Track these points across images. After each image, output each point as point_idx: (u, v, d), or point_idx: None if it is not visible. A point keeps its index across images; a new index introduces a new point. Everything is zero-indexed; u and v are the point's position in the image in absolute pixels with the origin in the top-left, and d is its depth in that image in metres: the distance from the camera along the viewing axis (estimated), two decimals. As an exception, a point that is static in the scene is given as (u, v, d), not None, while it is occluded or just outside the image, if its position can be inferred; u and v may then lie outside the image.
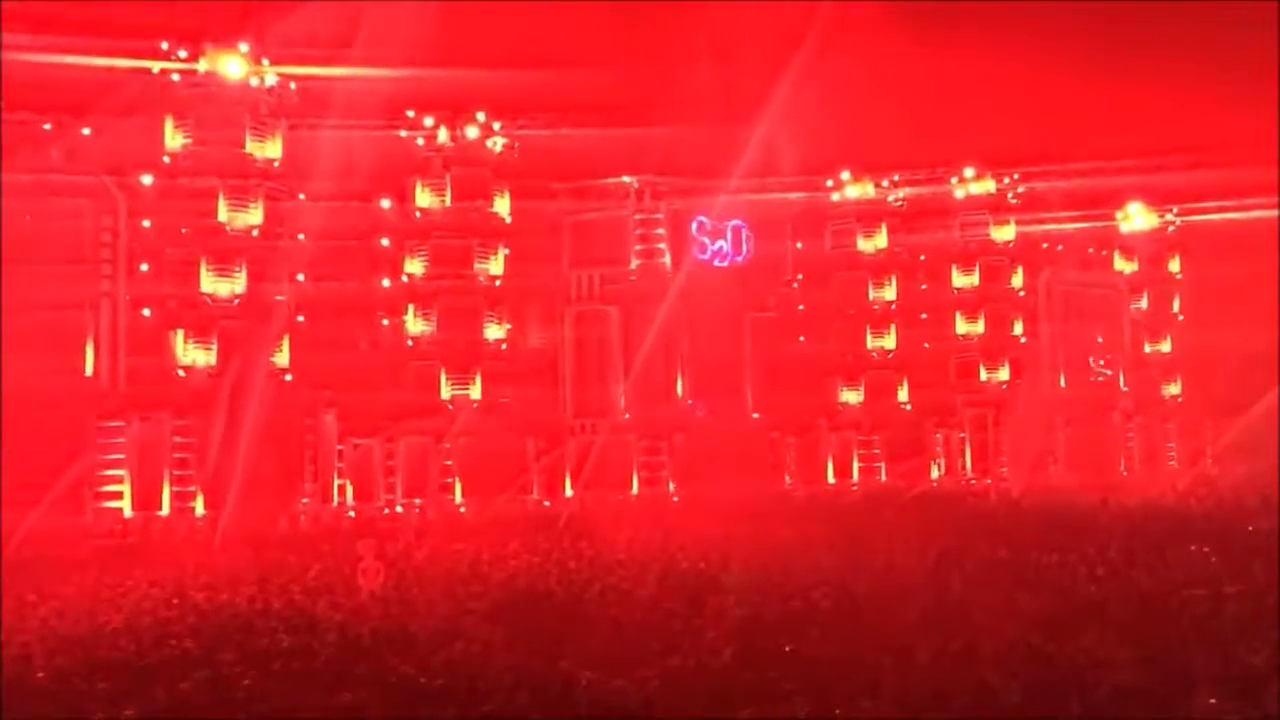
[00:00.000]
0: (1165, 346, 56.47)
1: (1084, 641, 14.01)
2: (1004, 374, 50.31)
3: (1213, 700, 11.68)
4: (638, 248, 43.94)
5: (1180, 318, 56.57)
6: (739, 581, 19.84)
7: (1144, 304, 56.21)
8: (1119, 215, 55.22)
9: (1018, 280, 50.98)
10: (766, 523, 30.46)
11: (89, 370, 34.90)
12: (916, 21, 44.69)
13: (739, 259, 46.15)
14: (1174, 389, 56.49)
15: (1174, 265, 56.72)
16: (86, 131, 34.78)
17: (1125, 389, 54.48)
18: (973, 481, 48.41)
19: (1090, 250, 54.79)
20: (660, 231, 44.11)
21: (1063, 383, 52.62)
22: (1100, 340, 54.17)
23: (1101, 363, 54.36)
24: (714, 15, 41.23)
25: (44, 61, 32.32)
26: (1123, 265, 55.94)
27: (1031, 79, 48.55)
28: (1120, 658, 13.09)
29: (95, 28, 33.44)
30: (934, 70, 47.07)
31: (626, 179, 43.79)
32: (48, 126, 34.41)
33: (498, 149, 40.74)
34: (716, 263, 45.61)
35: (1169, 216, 55.52)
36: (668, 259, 43.95)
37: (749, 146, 40.04)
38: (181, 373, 35.11)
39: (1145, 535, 25.23)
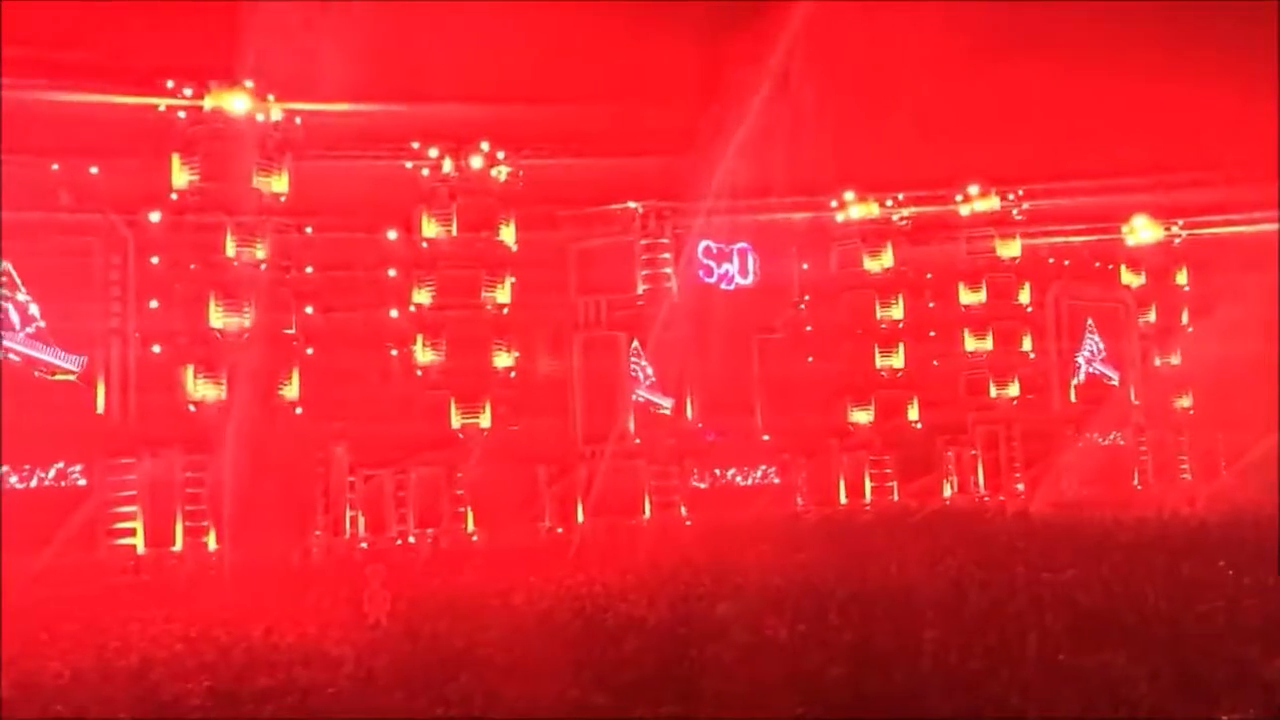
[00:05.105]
0: (1175, 359, 56.31)
1: (1108, 659, 13.93)
2: (1014, 390, 50.25)
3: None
4: (644, 273, 44.04)
5: (1189, 330, 56.46)
6: (753, 605, 19.76)
7: (1152, 317, 56.14)
8: (1125, 229, 55.27)
9: (1025, 296, 51.03)
10: (780, 545, 30.35)
11: (100, 407, 34.94)
12: (918, 40, 44.85)
13: (745, 281, 46.24)
14: (1185, 401, 56.31)
15: (1181, 278, 56.67)
16: (94, 171, 34.99)
17: (1136, 402, 54.35)
18: (986, 498, 48.29)
19: (1096, 265, 54.81)
20: (666, 256, 44.20)
21: (1073, 397, 52.57)
22: (1105, 350, 54.22)
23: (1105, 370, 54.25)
24: (714, 44, 41.42)
25: (52, 102, 32.61)
26: (1130, 279, 55.92)
27: (1034, 95, 48.71)
28: (1146, 674, 13.00)
29: (101, 68, 33.76)
30: (936, 88, 47.21)
31: (631, 204, 43.95)
32: (56, 167, 34.61)
33: (503, 178, 40.89)
34: (723, 285, 45.70)
35: (1175, 230, 55.53)
36: (674, 283, 44.03)
37: (752, 169, 40.14)
38: (192, 408, 35.16)
39: (1164, 550, 25.10)
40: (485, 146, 40.38)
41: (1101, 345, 54.47)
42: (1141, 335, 55.61)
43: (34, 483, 33.59)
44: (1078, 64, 49.69)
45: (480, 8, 40.64)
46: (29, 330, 33.67)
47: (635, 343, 43.48)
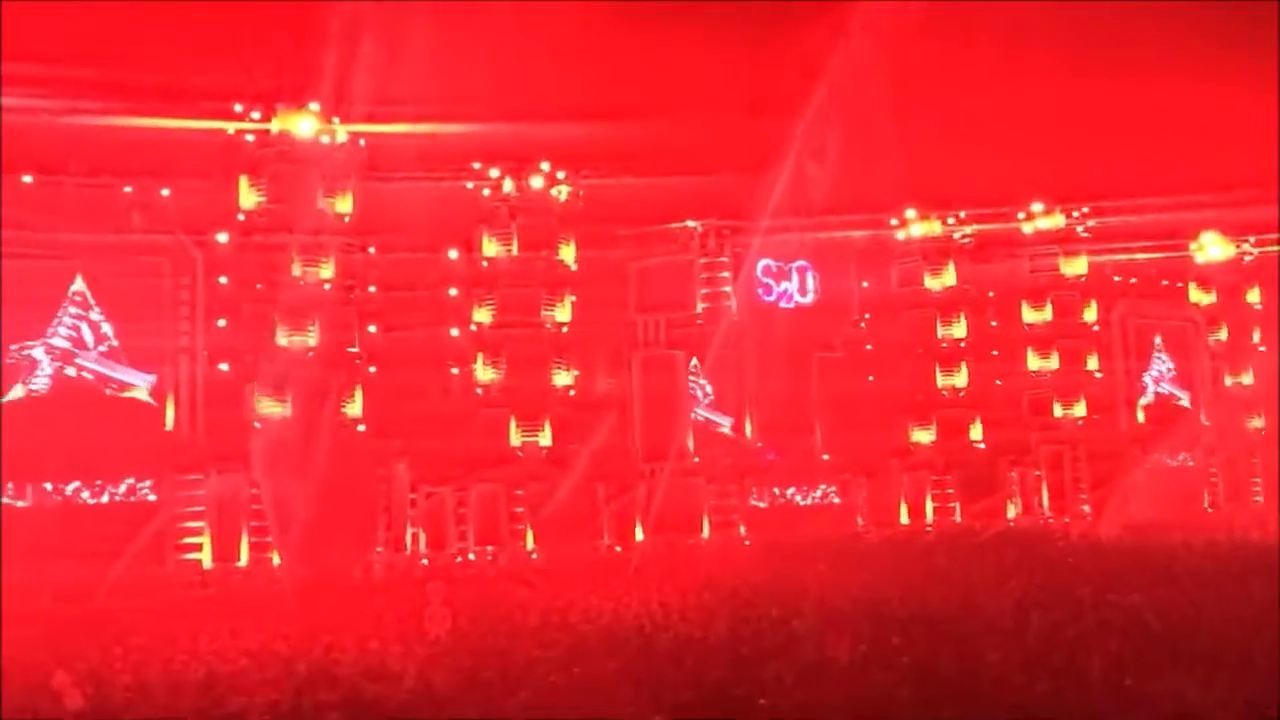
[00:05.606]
0: (1247, 379, 55.10)
1: (1177, 684, 13.66)
2: (1080, 410, 49.46)
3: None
4: (703, 291, 44.04)
5: (1261, 349, 55.21)
6: (813, 625, 19.63)
7: (1223, 336, 55.03)
8: (1193, 246, 54.27)
9: (1091, 314, 50.24)
10: (840, 565, 30.14)
11: (169, 424, 35.65)
12: (981, 57, 44.56)
13: (805, 299, 46.07)
14: (1257, 422, 55.04)
15: (1253, 296, 55.47)
16: (165, 193, 35.81)
17: (1206, 423, 53.23)
18: (1051, 520, 47.52)
19: (1164, 283, 53.87)
20: (725, 274, 44.18)
21: (1141, 417, 51.63)
22: (1174, 369, 53.27)
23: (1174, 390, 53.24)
24: (773, 61, 41.47)
25: (124, 126, 33.50)
26: (1199, 297, 54.88)
27: (1100, 109, 48.12)
28: (1216, 701, 12.73)
29: (172, 93, 34.61)
30: (999, 103, 46.83)
31: (690, 223, 44.01)
32: (128, 189, 35.49)
33: (562, 198, 41.11)
34: (782, 304, 45.57)
35: (1246, 247, 54.41)
36: (733, 302, 43.97)
37: (812, 187, 40.04)
38: (258, 425, 35.73)
39: (1236, 573, 24.54)
40: (545, 166, 40.66)
41: (1170, 364, 53.51)
42: (1212, 354, 54.49)
43: (105, 497, 34.39)
44: (1146, 78, 49.02)
45: (541, 28, 41.11)
46: (102, 348, 34.55)
47: (694, 361, 43.52)
